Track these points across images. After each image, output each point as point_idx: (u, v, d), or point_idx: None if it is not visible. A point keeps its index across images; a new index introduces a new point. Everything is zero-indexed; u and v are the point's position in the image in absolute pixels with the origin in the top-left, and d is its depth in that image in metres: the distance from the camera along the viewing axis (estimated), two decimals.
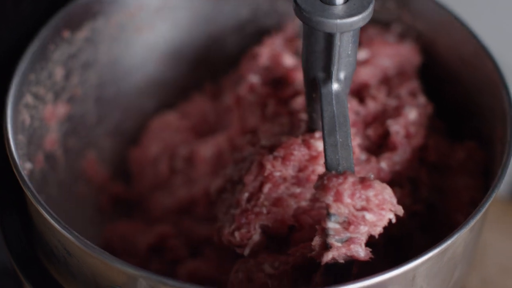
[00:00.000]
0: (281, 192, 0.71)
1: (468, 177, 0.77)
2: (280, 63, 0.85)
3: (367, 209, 0.64)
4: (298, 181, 0.71)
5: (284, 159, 0.71)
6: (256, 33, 0.92)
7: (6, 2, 0.79)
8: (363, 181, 0.64)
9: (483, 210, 0.68)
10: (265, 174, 0.71)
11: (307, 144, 0.72)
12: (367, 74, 0.83)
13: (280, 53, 0.86)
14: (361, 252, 0.65)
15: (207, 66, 0.95)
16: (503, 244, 1.00)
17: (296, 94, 0.81)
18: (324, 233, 0.65)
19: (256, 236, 0.71)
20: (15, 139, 0.75)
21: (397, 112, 0.79)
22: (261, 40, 0.88)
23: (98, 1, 0.86)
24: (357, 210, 0.64)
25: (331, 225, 0.65)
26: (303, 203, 0.71)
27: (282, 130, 0.78)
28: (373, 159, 0.75)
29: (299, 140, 0.72)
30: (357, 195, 0.64)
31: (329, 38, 0.66)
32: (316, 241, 0.66)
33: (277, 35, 0.88)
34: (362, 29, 0.69)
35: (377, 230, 0.65)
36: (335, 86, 0.69)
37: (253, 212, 0.71)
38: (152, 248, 0.85)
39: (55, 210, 0.69)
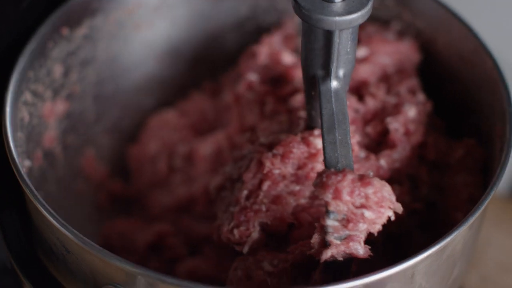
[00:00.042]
0: (280, 190, 0.71)
1: (467, 174, 0.77)
2: (279, 61, 0.85)
3: (366, 206, 0.65)
4: (297, 179, 0.71)
5: (283, 157, 0.71)
6: (255, 30, 0.92)
7: None
8: (362, 179, 0.64)
9: (482, 207, 0.68)
10: (264, 171, 0.71)
11: (306, 142, 0.72)
12: (366, 72, 0.83)
13: (279, 51, 0.86)
14: (360, 249, 0.65)
15: (206, 64, 0.95)
16: (502, 242, 1.00)
17: (295, 91, 0.81)
18: (323, 230, 0.65)
19: (255, 234, 0.71)
20: (14, 137, 0.75)
21: (396, 109, 0.79)
22: (260, 38, 0.88)
23: None
24: (356, 207, 0.65)
25: (330, 222, 0.65)
26: (302, 201, 0.71)
27: (281, 128, 0.78)
28: (372, 156, 0.75)
29: (298, 138, 0.72)
30: (356, 192, 0.64)
31: (328, 36, 0.66)
32: (315, 238, 0.66)
33: (276, 32, 0.88)
34: (361, 27, 0.69)
35: (376, 228, 0.65)
36: (334, 83, 0.69)
37: (252, 210, 0.71)
38: (151, 247, 0.85)
39: (53, 208, 0.69)
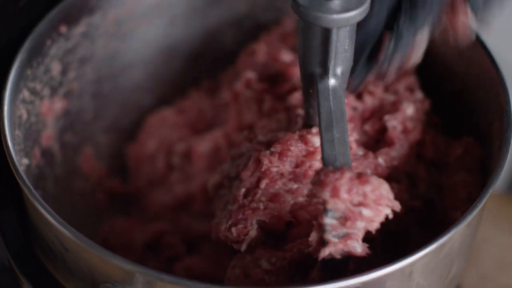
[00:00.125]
0: (278, 188, 0.71)
1: (465, 173, 0.77)
2: (277, 59, 0.85)
3: (364, 204, 0.64)
4: (295, 177, 0.71)
5: (281, 155, 0.71)
6: (253, 28, 0.92)
7: None
8: (360, 177, 0.64)
9: (480, 206, 0.68)
10: (262, 169, 0.71)
11: (304, 140, 0.72)
12: None
13: (277, 49, 0.85)
14: (358, 247, 0.65)
15: (204, 62, 0.95)
16: (500, 239, 1.00)
17: (293, 89, 0.81)
18: (321, 228, 0.65)
19: (253, 232, 0.71)
20: (12, 135, 0.74)
21: (394, 107, 0.79)
22: (259, 36, 0.88)
23: None
24: (354, 205, 0.64)
25: (328, 220, 0.65)
26: (300, 199, 0.71)
27: (279, 126, 0.78)
28: (371, 154, 0.75)
29: (296, 136, 0.72)
30: (354, 190, 0.64)
31: (326, 34, 0.66)
32: (313, 236, 0.66)
33: (274, 30, 0.88)
34: None
35: (374, 226, 0.65)
36: (332, 81, 0.69)
37: (250, 208, 0.71)
38: (149, 245, 0.85)
39: (51, 206, 0.68)
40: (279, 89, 0.82)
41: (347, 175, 0.64)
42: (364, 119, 0.79)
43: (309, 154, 0.71)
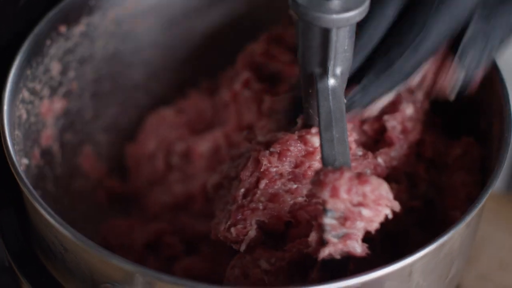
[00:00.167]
0: (278, 188, 0.71)
1: (465, 173, 0.77)
2: (276, 59, 0.85)
3: (363, 204, 0.64)
4: (295, 177, 0.71)
5: (281, 155, 0.71)
6: (253, 28, 0.92)
7: None
8: (360, 177, 0.64)
9: (479, 206, 0.68)
10: (262, 170, 0.71)
11: (303, 140, 0.71)
12: None
13: (276, 49, 0.85)
14: (358, 247, 0.65)
15: (204, 62, 0.95)
16: (500, 239, 1.00)
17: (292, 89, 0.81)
18: (321, 228, 0.65)
19: (252, 232, 0.71)
20: (11, 135, 0.74)
21: (394, 107, 0.78)
22: (258, 35, 0.88)
23: None
24: (354, 205, 0.64)
25: (328, 220, 0.65)
26: (300, 199, 0.71)
27: (278, 126, 0.78)
28: (370, 154, 0.75)
29: (295, 136, 0.72)
30: (354, 190, 0.64)
31: (326, 34, 0.66)
32: (313, 236, 0.66)
33: (273, 30, 0.88)
34: None
35: (374, 226, 0.65)
36: (331, 81, 0.69)
37: (249, 208, 0.71)
38: (149, 245, 0.85)
39: (51, 206, 0.68)
40: (279, 89, 0.82)
41: (347, 175, 0.64)
42: (363, 119, 0.79)
43: (309, 154, 0.71)
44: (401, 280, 0.67)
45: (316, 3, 0.65)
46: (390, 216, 0.65)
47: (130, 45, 0.92)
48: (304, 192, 0.71)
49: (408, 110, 0.78)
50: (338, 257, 0.65)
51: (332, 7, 0.65)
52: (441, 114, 0.83)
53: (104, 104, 0.92)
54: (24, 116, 0.80)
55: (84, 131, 0.91)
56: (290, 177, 0.71)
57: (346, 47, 0.67)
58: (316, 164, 0.71)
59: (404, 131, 0.77)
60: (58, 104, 0.86)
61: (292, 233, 0.72)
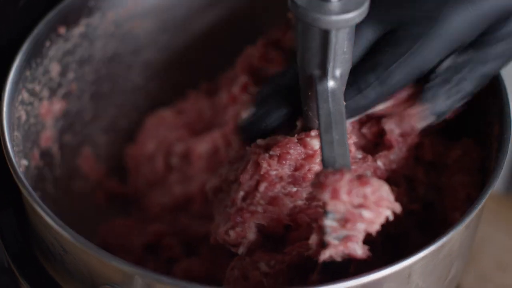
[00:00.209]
0: (277, 191, 0.71)
1: (464, 174, 0.77)
2: (275, 61, 0.85)
3: (364, 206, 0.64)
4: (294, 180, 0.71)
5: (280, 158, 0.71)
6: (252, 30, 0.92)
7: None
8: (360, 178, 0.64)
9: (479, 207, 0.68)
10: (261, 173, 0.70)
11: (303, 143, 0.71)
12: None
13: (275, 52, 0.85)
14: (358, 249, 0.65)
15: (203, 63, 0.95)
16: (500, 240, 1.00)
17: None
18: (321, 230, 0.65)
19: (251, 235, 0.71)
20: (11, 136, 0.74)
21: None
22: (257, 37, 0.87)
23: None
24: (354, 207, 0.64)
25: (328, 222, 0.64)
26: (299, 202, 0.71)
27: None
28: (369, 157, 0.75)
29: (295, 139, 0.71)
30: (354, 192, 0.64)
31: (325, 35, 0.66)
32: (313, 239, 0.65)
33: (271, 34, 0.88)
34: None
35: (374, 228, 0.65)
36: (331, 83, 0.69)
37: (249, 211, 0.70)
38: (148, 247, 0.85)
39: (51, 207, 0.69)
40: None
41: (347, 176, 0.64)
42: (362, 122, 0.78)
43: (308, 157, 0.71)
44: (400, 282, 0.67)
45: (316, 4, 0.65)
46: (391, 217, 0.65)
47: (129, 46, 0.91)
48: (304, 195, 0.71)
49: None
50: (338, 259, 0.65)
51: (331, 8, 0.64)
52: None
53: (104, 105, 0.92)
54: (24, 117, 0.80)
55: (83, 132, 0.91)
56: (290, 180, 0.71)
57: (345, 49, 0.67)
58: (316, 167, 0.71)
59: (403, 134, 0.77)
60: (58, 105, 0.86)
61: (292, 236, 0.72)
